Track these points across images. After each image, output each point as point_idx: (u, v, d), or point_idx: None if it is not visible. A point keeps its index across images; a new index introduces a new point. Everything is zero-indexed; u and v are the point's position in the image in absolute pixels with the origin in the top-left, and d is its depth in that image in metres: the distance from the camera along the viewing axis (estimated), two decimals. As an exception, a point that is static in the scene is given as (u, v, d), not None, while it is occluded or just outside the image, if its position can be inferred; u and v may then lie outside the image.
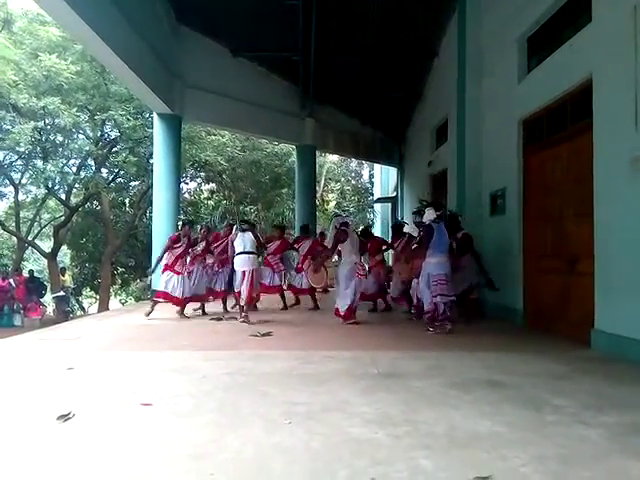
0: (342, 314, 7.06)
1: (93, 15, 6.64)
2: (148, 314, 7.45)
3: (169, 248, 7.53)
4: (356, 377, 3.95)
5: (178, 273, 7.48)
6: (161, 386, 3.67)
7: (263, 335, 5.93)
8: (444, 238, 6.39)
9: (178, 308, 7.62)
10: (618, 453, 2.49)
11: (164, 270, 7.57)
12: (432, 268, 6.32)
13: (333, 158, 24.35)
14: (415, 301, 7.33)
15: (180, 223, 8.10)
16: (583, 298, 5.51)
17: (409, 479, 2.19)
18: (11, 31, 13.97)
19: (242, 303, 7.24)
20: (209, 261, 8.20)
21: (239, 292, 7.31)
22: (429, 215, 6.39)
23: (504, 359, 4.71)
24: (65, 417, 2.89)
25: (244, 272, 7.18)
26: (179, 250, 7.56)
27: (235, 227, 7.70)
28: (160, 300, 7.58)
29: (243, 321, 7.01)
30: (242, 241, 7.26)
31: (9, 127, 14.18)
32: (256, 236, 7.53)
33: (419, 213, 7.01)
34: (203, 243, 7.94)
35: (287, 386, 3.68)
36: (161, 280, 7.58)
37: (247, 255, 7.21)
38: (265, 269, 8.60)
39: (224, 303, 8.42)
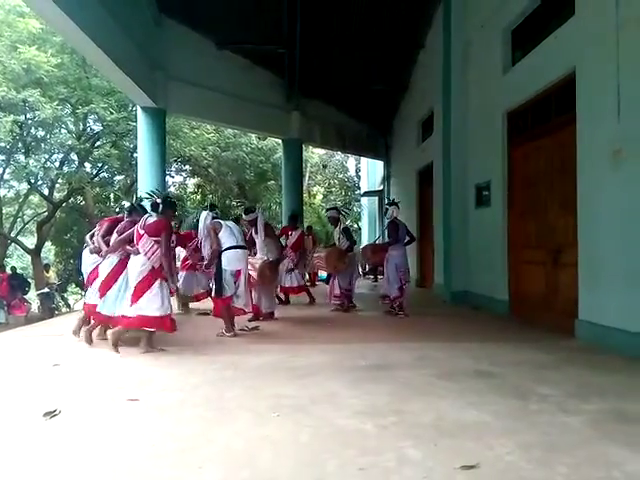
0: (264, 313, 6.71)
1: (72, 6, 6.50)
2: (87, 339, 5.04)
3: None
4: (344, 369, 3.97)
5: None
6: (148, 381, 3.65)
7: (251, 329, 5.92)
8: (404, 232, 7.26)
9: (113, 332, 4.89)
10: (599, 440, 2.54)
11: (93, 278, 5.20)
12: (399, 260, 7.07)
13: (317, 151, 24.28)
14: (339, 292, 7.63)
15: (128, 205, 5.42)
16: (567, 288, 5.60)
17: (397, 468, 2.21)
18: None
19: (247, 310, 5.89)
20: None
21: (229, 298, 5.63)
22: (394, 212, 7.20)
23: (490, 349, 4.77)
24: (51, 414, 2.86)
25: (239, 271, 5.62)
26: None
27: (208, 214, 5.88)
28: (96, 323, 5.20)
29: (234, 334, 5.60)
30: (231, 232, 5.71)
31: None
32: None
33: (336, 209, 8.05)
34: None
35: (275, 379, 3.69)
36: (108, 296, 4.90)
37: (243, 250, 5.75)
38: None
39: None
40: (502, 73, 7.33)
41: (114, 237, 5.05)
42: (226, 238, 5.67)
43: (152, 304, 4.56)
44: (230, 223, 5.89)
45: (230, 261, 5.59)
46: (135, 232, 4.74)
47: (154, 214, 4.81)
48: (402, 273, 7.04)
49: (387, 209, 7.42)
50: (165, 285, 4.71)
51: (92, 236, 5.49)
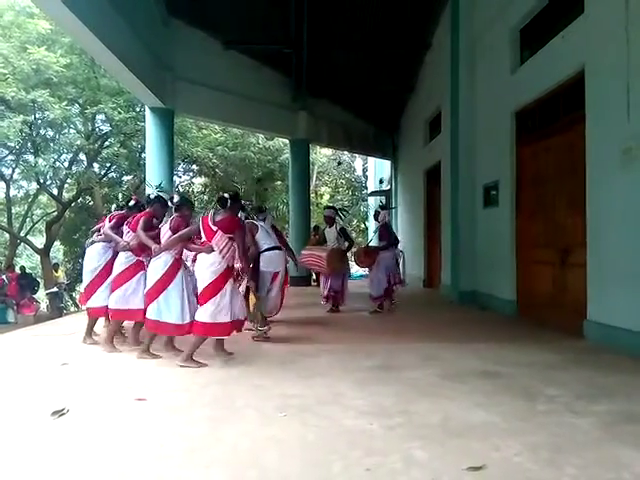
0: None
1: (81, 6, 6.55)
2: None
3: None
4: (350, 369, 3.97)
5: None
6: (155, 381, 3.67)
7: (258, 329, 5.91)
8: (394, 235, 7.68)
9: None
10: (609, 441, 2.52)
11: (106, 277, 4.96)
12: (390, 261, 7.33)
13: (324, 151, 24.28)
14: (326, 293, 7.60)
15: (177, 198, 4.75)
16: (576, 289, 5.55)
17: (404, 469, 2.20)
18: (-1, 24, 13.78)
19: (268, 312, 5.60)
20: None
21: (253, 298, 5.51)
22: (386, 216, 7.52)
23: (498, 350, 4.75)
24: (59, 413, 2.88)
25: (277, 274, 5.52)
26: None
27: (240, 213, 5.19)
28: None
29: (259, 337, 5.37)
30: (266, 233, 5.61)
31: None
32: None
33: (333, 208, 7.88)
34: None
35: (282, 379, 3.69)
36: (162, 299, 4.36)
37: (280, 251, 5.61)
38: None
39: None
40: (510, 72, 7.28)
41: (167, 234, 4.49)
42: (264, 239, 5.58)
43: (223, 309, 4.16)
44: (261, 223, 5.75)
45: (268, 263, 5.51)
46: (204, 229, 4.31)
47: (221, 210, 4.44)
48: (392, 274, 7.30)
49: (378, 212, 7.56)
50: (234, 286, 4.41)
51: (113, 229, 5.01)
